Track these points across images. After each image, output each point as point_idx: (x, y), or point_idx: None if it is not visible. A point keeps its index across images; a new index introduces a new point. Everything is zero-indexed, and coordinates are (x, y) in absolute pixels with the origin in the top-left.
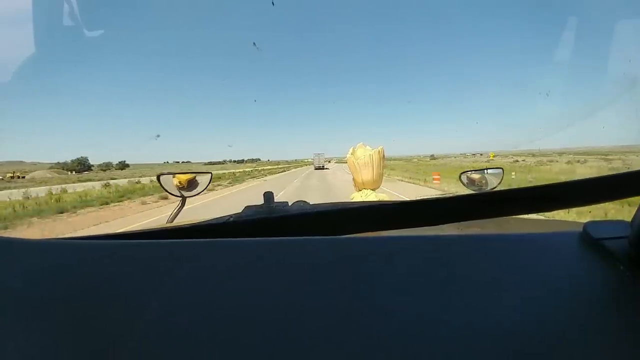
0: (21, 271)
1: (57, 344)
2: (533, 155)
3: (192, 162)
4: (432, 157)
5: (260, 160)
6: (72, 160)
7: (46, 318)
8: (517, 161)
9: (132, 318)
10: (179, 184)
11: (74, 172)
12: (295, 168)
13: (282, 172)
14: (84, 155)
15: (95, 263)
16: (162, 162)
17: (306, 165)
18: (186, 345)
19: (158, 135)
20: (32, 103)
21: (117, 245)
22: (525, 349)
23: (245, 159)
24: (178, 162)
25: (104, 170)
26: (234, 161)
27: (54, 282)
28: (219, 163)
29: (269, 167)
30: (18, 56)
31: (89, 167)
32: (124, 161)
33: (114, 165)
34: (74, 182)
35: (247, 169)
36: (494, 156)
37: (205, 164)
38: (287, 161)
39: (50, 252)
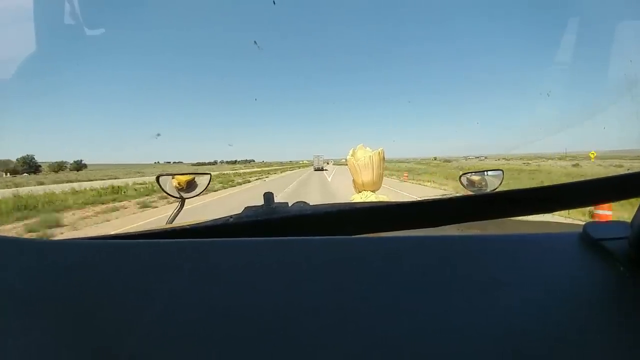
0: (21, 271)
1: (57, 343)
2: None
3: (184, 162)
4: (441, 160)
5: (254, 161)
6: (17, 159)
7: (46, 318)
8: (578, 164)
9: (132, 318)
10: (178, 186)
11: (7, 174)
12: (283, 172)
13: (254, 180)
14: (79, 154)
15: (94, 263)
16: (153, 162)
17: (301, 167)
18: (186, 344)
19: (158, 134)
20: (31, 102)
21: (116, 245)
22: (525, 349)
23: (239, 159)
24: (169, 162)
25: (56, 172)
26: (226, 162)
27: (53, 282)
28: (210, 164)
29: (256, 169)
30: (18, 54)
31: (36, 168)
32: (81, 160)
33: (68, 166)
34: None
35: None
36: (594, 156)
37: (194, 164)
38: (281, 162)
39: (50, 252)
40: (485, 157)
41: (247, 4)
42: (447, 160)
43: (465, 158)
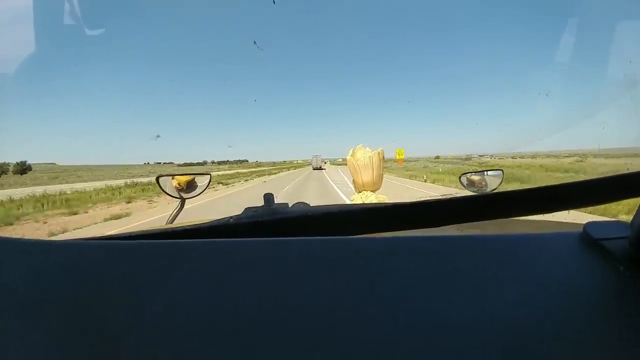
0: (22, 271)
1: (58, 344)
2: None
3: (175, 163)
4: (462, 158)
5: (247, 161)
6: None
7: (47, 318)
8: None
9: (133, 318)
10: (178, 186)
11: None
12: (262, 176)
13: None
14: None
15: (95, 263)
16: (143, 163)
17: (296, 168)
18: (187, 344)
19: (158, 136)
20: (31, 103)
21: (117, 245)
22: (526, 349)
23: (231, 159)
24: (160, 162)
25: None
26: (217, 162)
27: (55, 282)
28: (199, 164)
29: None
30: (16, 56)
31: None
32: (25, 161)
33: (10, 168)
34: None
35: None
36: None
37: (180, 165)
38: (274, 162)
39: (51, 253)
40: (492, 156)
41: (247, 3)
42: (467, 158)
43: (469, 157)
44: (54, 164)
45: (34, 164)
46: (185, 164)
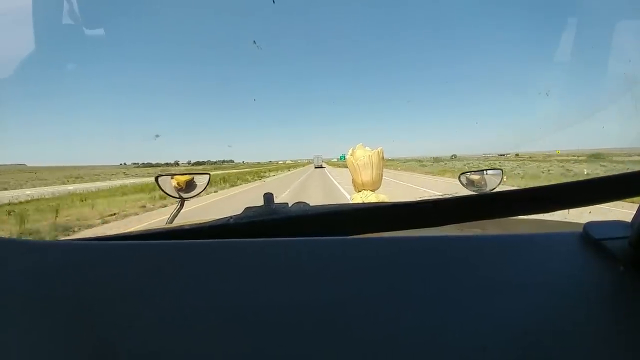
0: (22, 272)
1: (58, 344)
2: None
3: (161, 162)
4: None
5: (233, 161)
6: None
7: (46, 318)
8: None
9: (132, 319)
10: (177, 186)
11: None
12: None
13: None
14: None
15: (95, 264)
16: (119, 164)
17: (285, 170)
18: (187, 345)
19: (157, 135)
20: (31, 104)
21: (117, 246)
22: (525, 349)
23: (214, 160)
24: (137, 163)
25: None
26: (193, 163)
27: (54, 282)
28: (168, 165)
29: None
30: (15, 56)
31: None
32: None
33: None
34: None
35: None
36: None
37: (138, 165)
38: (259, 163)
39: (51, 253)
40: (504, 155)
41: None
42: (501, 155)
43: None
44: (24, 164)
45: (2, 165)
46: (146, 164)
